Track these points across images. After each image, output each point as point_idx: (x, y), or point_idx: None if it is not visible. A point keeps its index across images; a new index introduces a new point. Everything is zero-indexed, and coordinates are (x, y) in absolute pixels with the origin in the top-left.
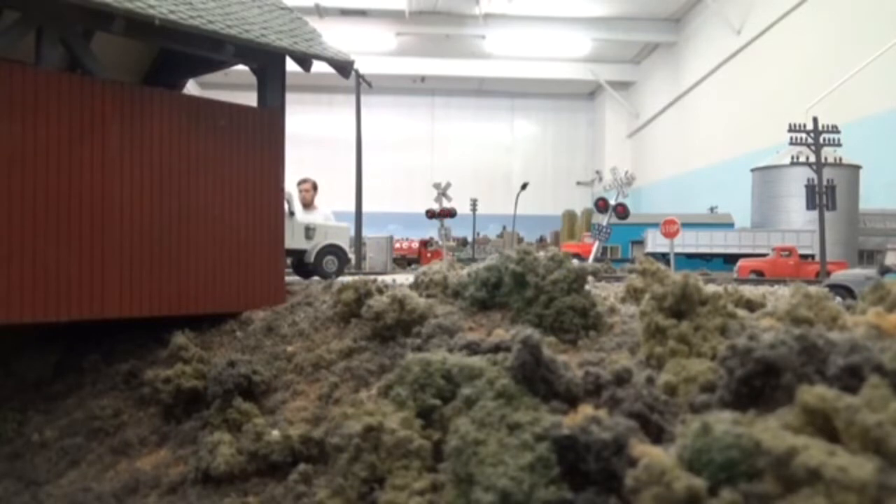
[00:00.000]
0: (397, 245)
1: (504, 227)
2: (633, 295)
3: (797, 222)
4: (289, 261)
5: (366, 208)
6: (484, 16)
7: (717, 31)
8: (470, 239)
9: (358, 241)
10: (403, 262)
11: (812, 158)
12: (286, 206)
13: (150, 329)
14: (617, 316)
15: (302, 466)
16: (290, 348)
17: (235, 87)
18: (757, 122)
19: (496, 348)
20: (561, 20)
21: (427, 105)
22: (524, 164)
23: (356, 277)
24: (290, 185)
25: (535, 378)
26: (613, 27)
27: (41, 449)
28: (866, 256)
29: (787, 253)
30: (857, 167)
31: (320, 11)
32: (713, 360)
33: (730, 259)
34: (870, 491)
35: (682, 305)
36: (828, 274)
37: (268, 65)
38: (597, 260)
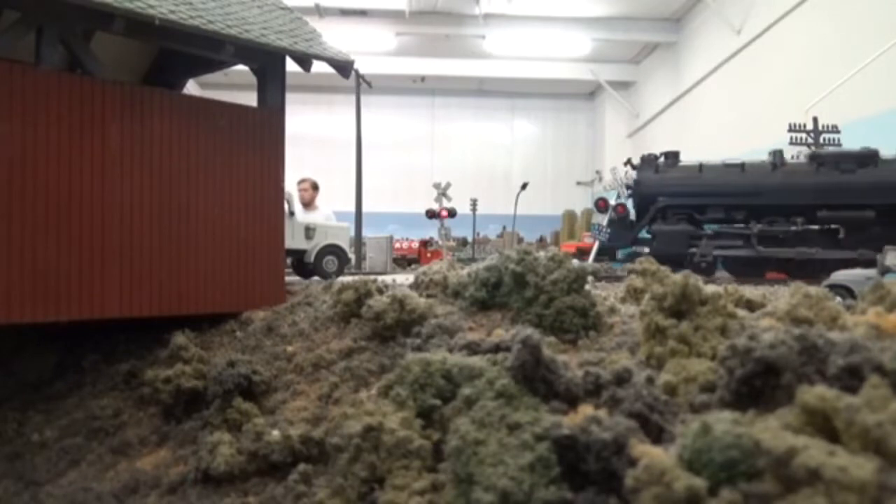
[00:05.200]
0: (397, 245)
1: (504, 227)
2: (633, 295)
3: None
4: (289, 261)
5: (366, 208)
6: (484, 16)
7: (717, 31)
8: (470, 239)
9: (358, 241)
10: (403, 262)
11: None
12: (286, 206)
13: (150, 329)
14: (617, 316)
15: (302, 466)
16: (290, 348)
17: (235, 87)
18: (757, 121)
19: (496, 348)
20: (561, 20)
21: (427, 105)
22: (524, 164)
23: (356, 277)
24: (290, 185)
25: (535, 378)
26: (613, 27)
27: (41, 449)
28: None
29: None
30: None
31: (320, 11)
32: (713, 360)
33: None
34: (870, 491)
35: (682, 305)
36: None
37: (268, 65)
38: (597, 260)
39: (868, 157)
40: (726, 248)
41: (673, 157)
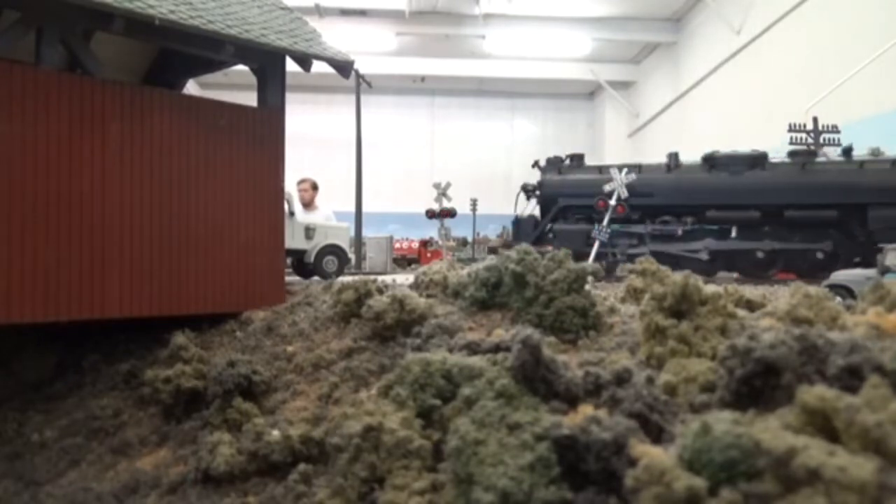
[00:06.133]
0: (397, 245)
1: (504, 227)
2: (633, 295)
3: None
4: (289, 261)
5: (366, 208)
6: (484, 16)
7: (716, 31)
8: (470, 239)
9: (358, 241)
10: (403, 262)
11: None
12: (286, 206)
13: (150, 329)
14: (617, 316)
15: (302, 466)
16: (290, 348)
17: (235, 87)
18: (757, 122)
19: (496, 348)
20: (561, 20)
21: (427, 105)
22: (524, 164)
23: (356, 277)
24: (290, 185)
25: (535, 378)
26: (613, 27)
27: (41, 449)
28: None
29: None
30: None
31: (320, 11)
32: (713, 360)
33: None
34: (870, 491)
35: (682, 305)
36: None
37: (268, 65)
38: (596, 260)
39: (757, 160)
40: (621, 245)
41: (578, 159)
